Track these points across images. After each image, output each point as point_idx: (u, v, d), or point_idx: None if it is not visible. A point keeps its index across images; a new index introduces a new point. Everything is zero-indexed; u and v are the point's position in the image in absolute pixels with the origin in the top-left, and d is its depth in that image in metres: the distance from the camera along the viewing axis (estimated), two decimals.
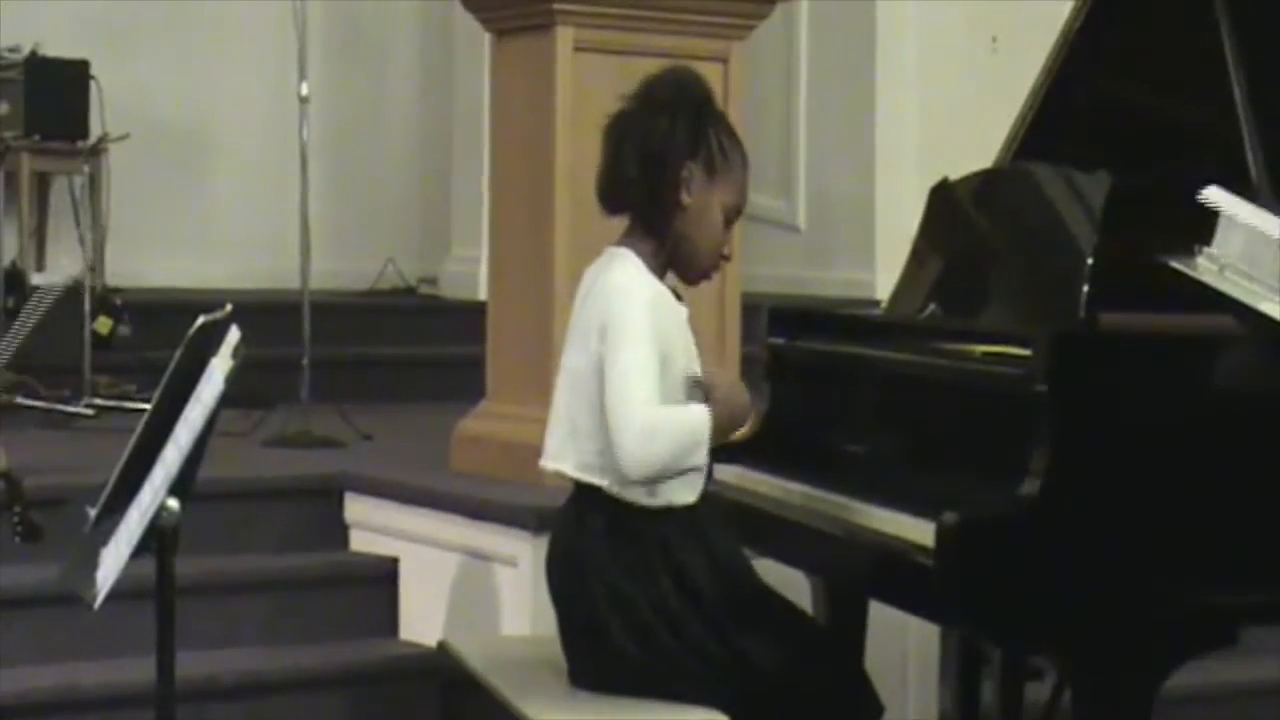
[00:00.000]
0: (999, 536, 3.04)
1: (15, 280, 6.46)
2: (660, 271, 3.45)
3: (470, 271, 7.43)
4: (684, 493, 3.44)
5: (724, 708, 3.35)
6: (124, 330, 6.52)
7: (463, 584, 4.57)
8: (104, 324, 6.39)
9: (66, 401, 5.75)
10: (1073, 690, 3.17)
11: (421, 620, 4.66)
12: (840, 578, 3.78)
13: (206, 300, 3.43)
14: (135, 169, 7.32)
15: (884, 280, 6.04)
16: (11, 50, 7.32)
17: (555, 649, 3.51)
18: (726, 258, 3.51)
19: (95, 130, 7.21)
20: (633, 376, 3.30)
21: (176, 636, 3.13)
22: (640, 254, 3.43)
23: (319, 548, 4.89)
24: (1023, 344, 3.16)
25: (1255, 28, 3.56)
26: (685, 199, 3.41)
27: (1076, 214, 3.48)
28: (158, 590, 3.10)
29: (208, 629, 4.41)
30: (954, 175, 3.89)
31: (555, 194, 4.59)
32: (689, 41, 4.64)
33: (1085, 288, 3.31)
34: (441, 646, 3.99)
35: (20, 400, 5.61)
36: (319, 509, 4.92)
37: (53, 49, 7.34)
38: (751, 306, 4.67)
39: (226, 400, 3.07)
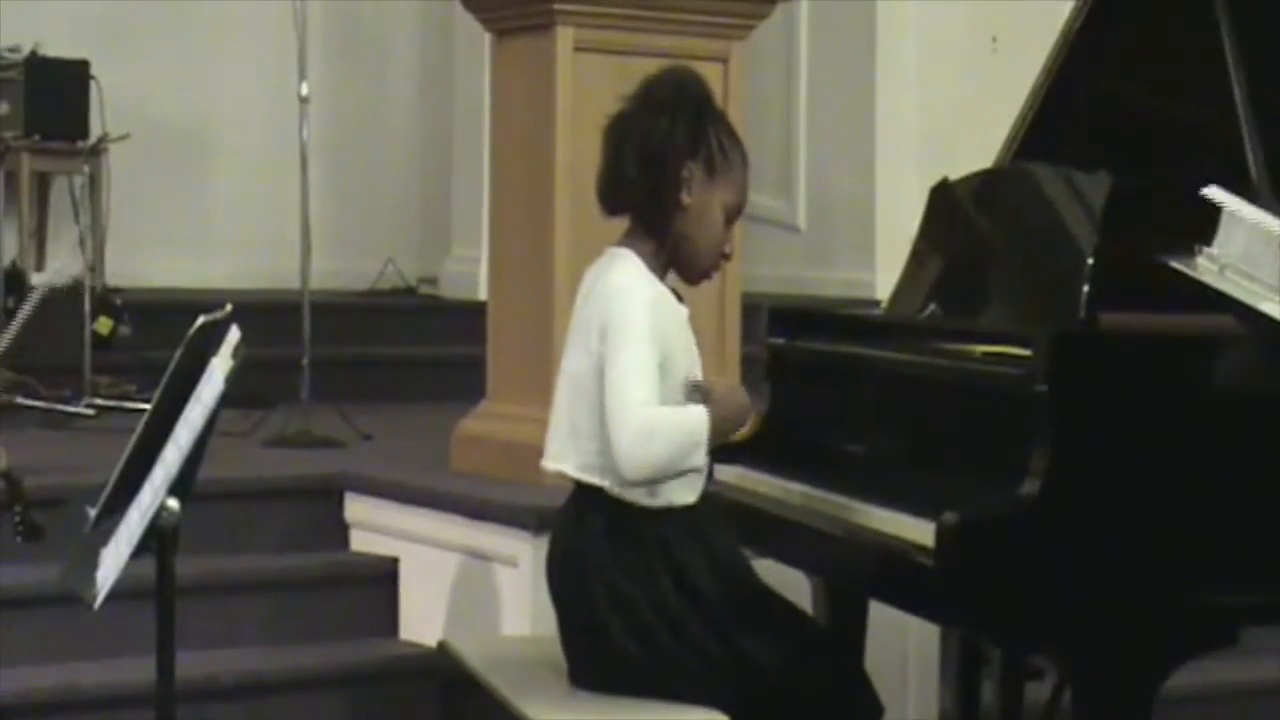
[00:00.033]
0: (999, 536, 3.04)
1: (15, 280, 6.46)
2: (661, 272, 3.45)
3: (470, 271, 7.43)
4: (684, 493, 3.44)
5: (724, 708, 3.35)
6: (124, 330, 6.52)
7: (463, 584, 4.57)
8: (104, 324, 6.39)
9: (67, 401, 5.75)
10: (1073, 690, 3.17)
11: (421, 620, 4.66)
12: (840, 578, 3.78)
13: (206, 300, 3.43)
14: (135, 169, 7.32)
15: (884, 280, 6.04)
16: (11, 50, 7.32)
17: (555, 649, 3.51)
18: (727, 257, 3.51)
19: (95, 130, 7.21)
20: (631, 377, 3.30)
21: (176, 636, 3.13)
22: (641, 254, 3.43)
23: (319, 548, 4.89)
24: (1023, 344, 3.16)
25: (1255, 28, 3.55)
26: (685, 199, 3.41)
27: (1076, 214, 3.48)
28: (158, 590, 3.10)
29: (208, 629, 4.41)
30: (954, 175, 3.89)
31: (555, 194, 4.59)
32: (689, 41, 4.64)
33: (1085, 288, 3.31)
34: (441, 646, 3.99)
35: (20, 400, 5.61)
36: (319, 509, 4.92)
37: (53, 49, 7.34)
38: (751, 306, 4.68)
39: (226, 400, 3.07)
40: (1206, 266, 3.29)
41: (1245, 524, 3.14)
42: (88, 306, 5.97)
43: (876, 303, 6.05)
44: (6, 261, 6.66)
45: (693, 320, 3.50)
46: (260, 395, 5.60)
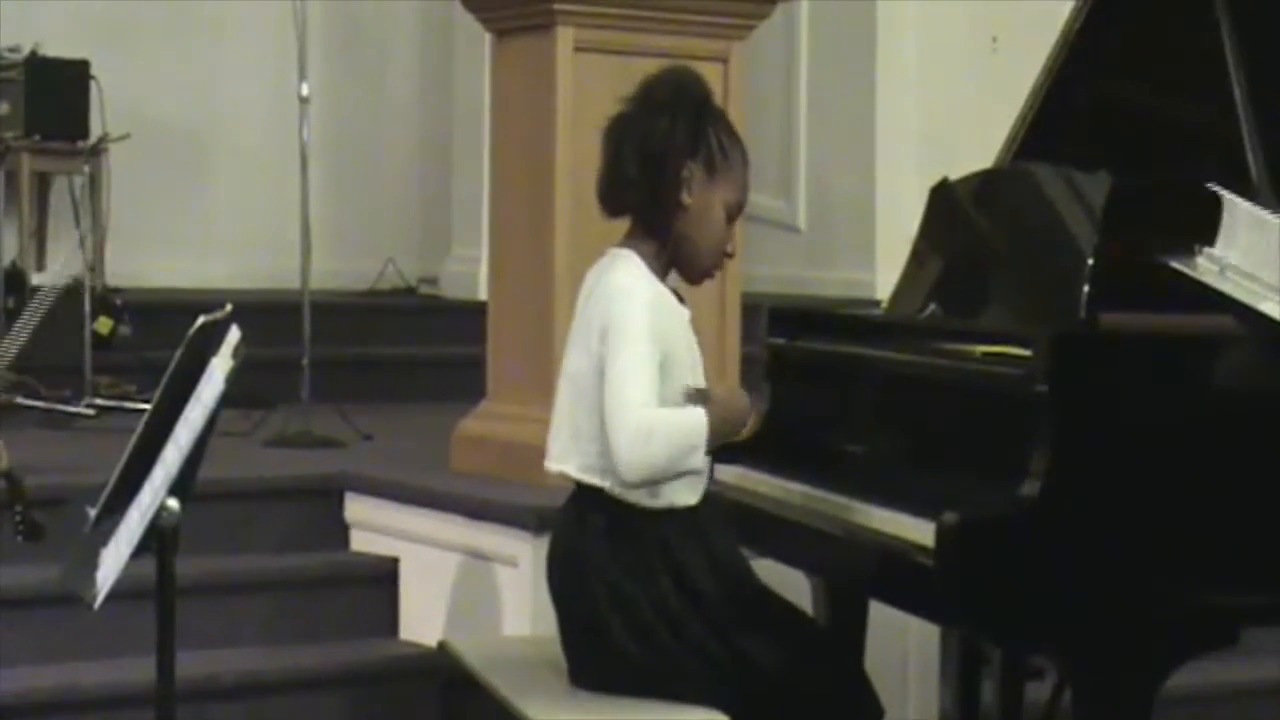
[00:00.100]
0: (999, 536, 3.04)
1: (15, 280, 6.46)
2: (663, 272, 3.45)
3: (470, 271, 7.43)
4: (685, 494, 3.44)
5: (724, 708, 3.35)
6: (124, 330, 6.52)
7: (463, 584, 4.57)
8: (104, 324, 6.39)
9: (67, 401, 5.75)
10: (1073, 690, 3.17)
11: (421, 620, 4.66)
12: (840, 578, 3.78)
13: (207, 300, 3.43)
14: (135, 169, 7.32)
15: (884, 280, 6.04)
16: (11, 50, 7.32)
17: (555, 649, 3.51)
18: (729, 255, 3.52)
19: (95, 130, 7.21)
20: (630, 378, 3.30)
21: (176, 636, 3.13)
22: (642, 255, 3.43)
23: (319, 548, 4.89)
24: (1023, 344, 3.17)
25: (1255, 28, 3.55)
26: (686, 199, 3.41)
27: (1076, 214, 3.48)
28: (158, 590, 3.10)
29: (208, 629, 4.41)
30: (954, 175, 3.89)
31: (555, 194, 4.59)
32: (689, 41, 4.64)
33: (1085, 288, 3.31)
34: (441, 646, 3.99)
35: (20, 400, 5.61)
36: (319, 509, 4.92)
37: (53, 49, 7.34)
38: (751, 306, 4.68)
39: (227, 400, 3.07)
40: (1206, 267, 3.29)
41: (1245, 524, 3.14)
42: (88, 306, 5.97)
43: (876, 303, 6.04)
44: (6, 261, 6.66)
45: (693, 320, 3.50)
46: (260, 395, 5.60)
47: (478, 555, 4.53)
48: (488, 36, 5.01)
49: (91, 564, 3.08)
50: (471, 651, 3.77)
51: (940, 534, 3.04)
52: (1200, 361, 3.20)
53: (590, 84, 4.50)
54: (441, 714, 4.46)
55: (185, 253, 7.80)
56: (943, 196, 3.89)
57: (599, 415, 3.33)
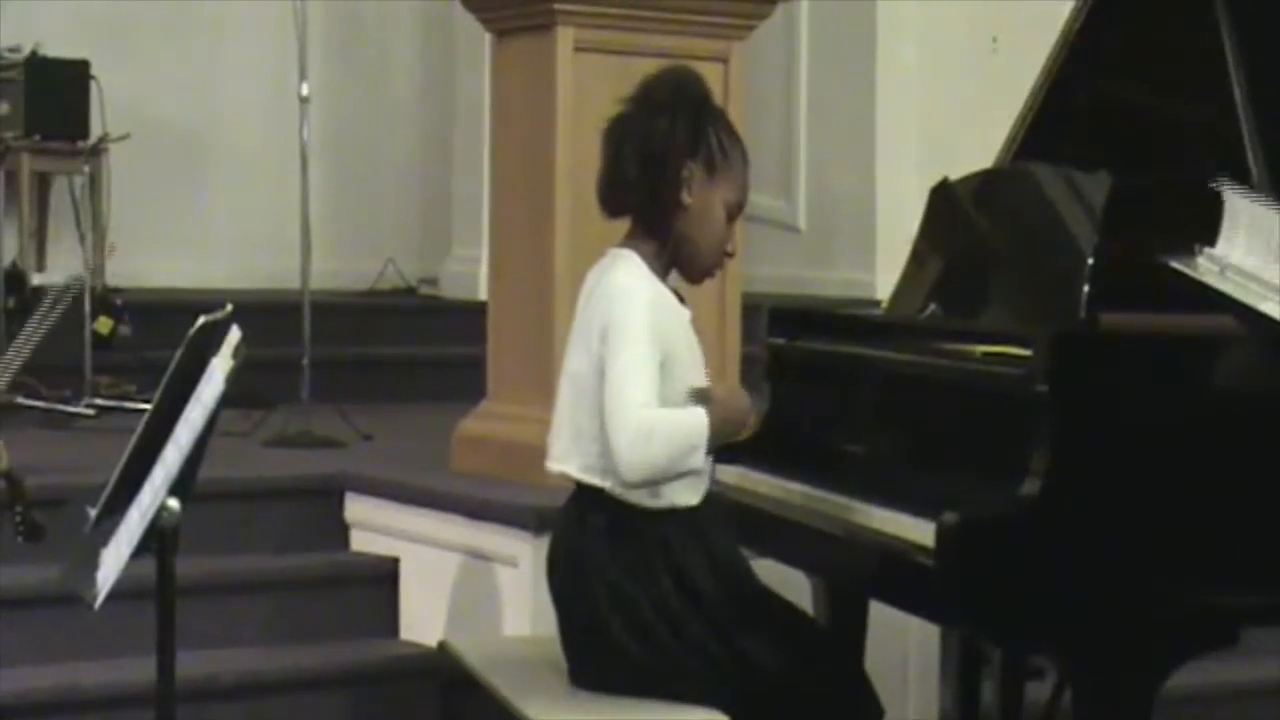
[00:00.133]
0: (999, 536, 3.04)
1: (15, 280, 6.46)
2: (663, 272, 3.45)
3: (470, 271, 7.43)
4: (686, 494, 3.44)
5: (724, 708, 3.35)
6: (124, 330, 6.52)
7: (463, 584, 4.57)
8: (104, 324, 6.38)
9: (67, 401, 5.75)
10: (1073, 690, 3.17)
11: (422, 620, 4.66)
12: (840, 578, 3.78)
13: (207, 300, 3.43)
14: (135, 169, 7.32)
15: (884, 280, 6.04)
16: (11, 50, 7.31)
17: (555, 649, 3.51)
18: (730, 254, 3.52)
19: (95, 130, 7.21)
20: (630, 378, 3.30)
21: (176, 636, 3.12)
22: (643, 255, 3.43)
23: (319, 548, 4.89)
24: (1023, 344, 3.17)
25: (1255, 28, 3.55)
26: (686, 199, 3.41)
27: (1076, 214, 3.48)
28: (158, 590, 3.10)
29: (208, 629, 4.41)
30: (954, 175, 3.89)
31: (555, 194, 4.59)
32: (689, 41, 4.64)
33: (1085, 288, 3.31)
34: (441, 646, 4.00)
35: (21, 400, 5.61)
36: (319, 509, 4.92)
37: (53, 49, 7.34)
38: (751, 306, 4.68)
39: (227, 400, 3.06)
40: (1207, 267, 3.29)
41: (1245, 524, 3.14)
42: (88, 306, 5.97)
43: (876, 303, 6.04)
44: (6, 261, 6.66)
45: (693, 320, 3.50)
46: (260, 395, 5.60)
47: (478, 555, 4.53)
48: (488, 36, 5.01)
49: (92, 564, 3.08)
50: (471, 651, 3.77)
51: (940, 534, 3.04)
52: (1200, 361, 3.20)
53: (590, 84, 4.50)
54: (441, 714, 4.46)
55: (185, 253, 7.80)
56: (943, 196, 3.89)
57: (600, 415, 3.33)
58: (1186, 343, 3.22)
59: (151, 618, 3.13)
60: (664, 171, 3.40)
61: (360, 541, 4.90)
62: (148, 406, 3.16)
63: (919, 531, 3.12)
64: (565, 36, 4.59)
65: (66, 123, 7.25)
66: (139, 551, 3.05)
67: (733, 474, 3.79)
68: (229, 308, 3.16)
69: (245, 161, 8.01)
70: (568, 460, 3.46)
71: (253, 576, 4.68)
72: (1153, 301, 3.27)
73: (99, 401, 5.78)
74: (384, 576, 4.76)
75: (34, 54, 7.28)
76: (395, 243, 8.16)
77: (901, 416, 3.54)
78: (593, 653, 3.43)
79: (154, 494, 3.03)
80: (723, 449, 3.53)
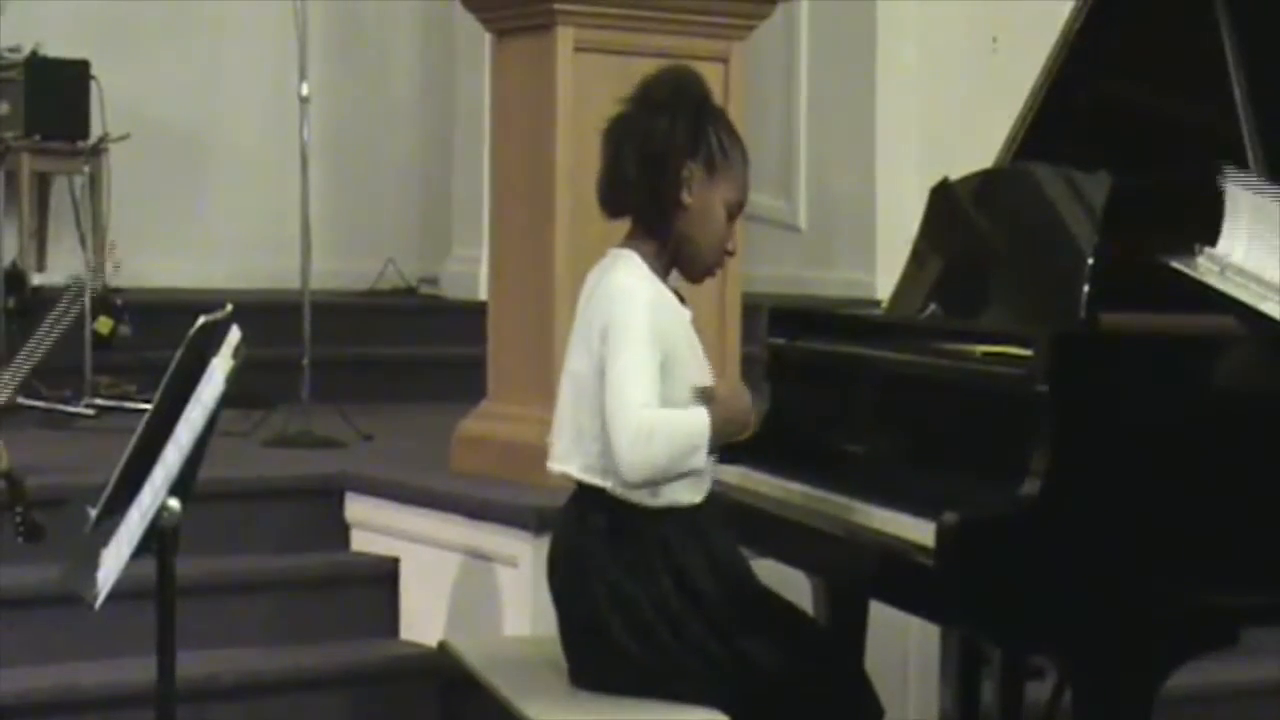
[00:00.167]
0: (999, 536, 3.04)
1: (15, 281, 6.46)
2: (664, 272, 3.45)
3: (470, 271, 7.43)
4: (687, 493, 3.44)
5: (724, 708, 3.35)
6: (124, 330, 6.52)
7: (463, 584, 4.57)
8: (104, 324, 6.38)
9: (67, 401, 5.75)
10: (1073, 690, 3.17)
11: (422, 620, 4.66)
12: (841, 578, 3.78)
13: (207, 300, 3.43)
14: (135, 169, 7.32)
15: (884, 280, 6.04)
16: (12, 50, 7.31)
17: (555, 649, 3.51)
18: (730, 253, 3.52)
19: (95, 130, 7.21)
20: (631, 379, 3.30)
21: (176, 636, 3.13)
22: (643, 255, 3.43)
23: (319, 548, 4.89)
24: (1023, 344, 3.17)
25: (1255, 28, 3.55)
26: (686, 199, 3.41)
27: (1076, 214, 3.48)
28: (158, 590, 3.10)
29: (208, 629, 4.41)
30: (954, 175, 3.89)
31: (555, 194, 4.59)
32: (689, 41, 4.64)
33: (1085, 288, 3.31)
34: (442, 646, 4.00)
35: (21, 400, 5.61)
36: (319, 509, 4.92)
37: (53, 49, 7.34)
38: (751, 306, 4.68)
39: (227, 400, 3.06)
40: (1207, 267, 3.29)
41: (1245, 524, 3.14)
42: (88, 306, 5.97)
43: (876, 303, 6.05)
44: (7, 262, 6.66)
45: (694, 320, 3.50)
46: (261, 395, 5.60)
47: (478, 555, 4.53)
48: (488, 36, 5.01)
49: (92, 564, 3.08)
50: (472, 651, 3.77)
51: (940, 534, 3.04)
52: (1200, 361, 3.20)
53: (590, 84, 4.50)
54: (441, 714, 4.46)
55: (185, 253, 7.80)
56: (943, 196, 3.89)
57: (601, 415, 3.33)
58: (1186, 343, 3.22)
59: (151, 618, 3.13)
60: (664, 171, 3.40)
61: (360, 541, 4.90)
62: (148, 406, 3.16)
63: (919, 531, 3.12)
64: (565, 36, 4.60)
65: (66, 123, 7.25)
66: (139, 551, 3.05)
67: (734, 474, 3.79)
68: (229, 308, 3.16)
69: (245, 161, 8.01)
70: (569, 460, 3.46)
71: (253, 576, 4.68)
72: (1153, 301, 3.27)
73: (99, 401, 5.78)
74: (384, 576, 4.76)
75: (34, 54, 7.28)
76: (395, 243, 8.16)
77: (902, 416, 3.54)
78: (593, 653, 3.43)
79: (154, 494, 3.03)
80: (724, 449, 3.53)
